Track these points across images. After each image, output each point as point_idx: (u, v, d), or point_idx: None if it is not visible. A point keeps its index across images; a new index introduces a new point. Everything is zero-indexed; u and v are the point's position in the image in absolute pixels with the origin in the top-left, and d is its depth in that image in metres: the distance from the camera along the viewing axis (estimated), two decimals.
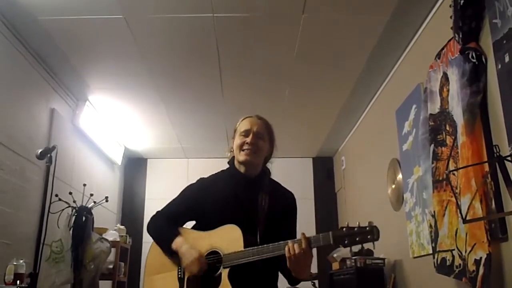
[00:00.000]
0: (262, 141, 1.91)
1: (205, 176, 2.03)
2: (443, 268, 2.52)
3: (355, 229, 1.56)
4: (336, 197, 5.80)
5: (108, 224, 4.63)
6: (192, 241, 1.83)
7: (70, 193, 3.53)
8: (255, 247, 1.68)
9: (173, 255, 1.82)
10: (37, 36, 3.16)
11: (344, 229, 1.57)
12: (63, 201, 3.34)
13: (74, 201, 3.50)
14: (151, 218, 1.98)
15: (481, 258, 2.07)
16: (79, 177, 4.18)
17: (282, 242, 1.63)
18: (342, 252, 4.05)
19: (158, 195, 5.74)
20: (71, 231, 3.36)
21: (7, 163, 3.05)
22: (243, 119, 1.97)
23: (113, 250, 4.01)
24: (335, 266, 4.07)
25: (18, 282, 2.53)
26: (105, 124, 4.71)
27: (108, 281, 4.25)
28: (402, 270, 3.44)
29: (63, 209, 3.37)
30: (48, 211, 2.47)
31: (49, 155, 2.46)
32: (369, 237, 1.53)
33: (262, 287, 1.81)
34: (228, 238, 1.74)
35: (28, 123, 3.37)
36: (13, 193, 3.13)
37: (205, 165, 6.16)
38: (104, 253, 3.54)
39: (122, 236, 4.55)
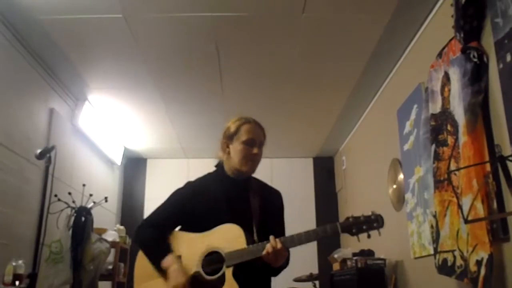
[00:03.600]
0: (262, 149, 1.93)
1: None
2: (445, 268, 2.50)
3: (361, 218, 1.66)
4: (337, 197, 5.79)
5: (108, 225, 4.62)
6: (188, 243, 1.82)
7: (70, 193, 3.52)
8: (256, 244, 1.71)
9: (162, 271, 1.77)
10: (37, 36, 3.15)
11: (350, 219, 1.66)
12: (62, 201, 3.33)
13: (74, 202, 3.49)
14: (137, 229, 1.95)
15: (482, 258, 2.05)
16: (79, 177, 4.17)
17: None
18: (342, 252, 4.04)
19: (158, 195, 5.57)
20: (70, 232, 3.35)
21: (6, 163, 3.04)
22: (243, 125, 1.92)
23: (112, 250, 4.00)
24: (336, 266, 4.06)
25: (17, 282, 2.52)
26: (104, 124, 4.70)
27: (108, 281, 4.23)
28: (403, 270, 3.43)
29: (62, 210, 3.36)
30: (47, 211, 2.46)
31: (48, 155, 2.46)
32: (375, 225, 1.65)
33: (260, 286, 1.84)
34: (228, 238, 1.74)
35: (27, 123, 3.36)
36: (12, 193, 3.12)
37: (205, 165, 6.10)
38: (104, 253, 3.52)
39: (122, 236, 4.53)
